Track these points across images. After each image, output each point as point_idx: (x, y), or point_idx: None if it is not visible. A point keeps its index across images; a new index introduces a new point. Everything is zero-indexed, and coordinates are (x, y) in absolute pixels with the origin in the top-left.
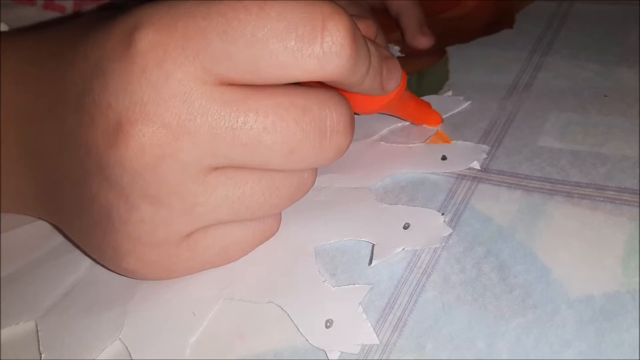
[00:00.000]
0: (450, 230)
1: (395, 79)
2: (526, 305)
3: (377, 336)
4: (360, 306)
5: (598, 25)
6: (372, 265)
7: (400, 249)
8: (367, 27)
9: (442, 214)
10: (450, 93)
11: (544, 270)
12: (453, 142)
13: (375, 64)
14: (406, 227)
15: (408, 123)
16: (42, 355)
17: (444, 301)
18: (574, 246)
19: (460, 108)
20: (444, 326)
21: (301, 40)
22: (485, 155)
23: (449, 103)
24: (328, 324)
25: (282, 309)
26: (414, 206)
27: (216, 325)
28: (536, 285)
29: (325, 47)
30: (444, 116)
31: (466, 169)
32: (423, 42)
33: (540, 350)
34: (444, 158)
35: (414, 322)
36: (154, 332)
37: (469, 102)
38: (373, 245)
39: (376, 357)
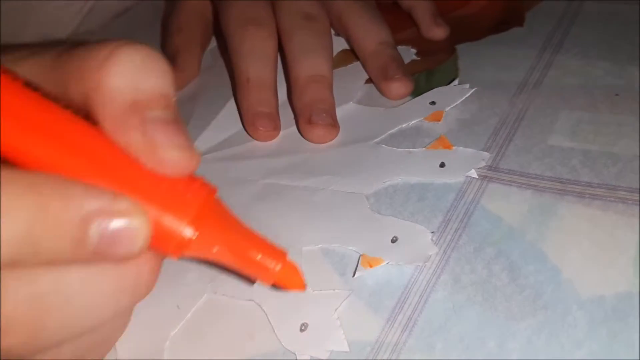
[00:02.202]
0: (435, 249)
1: (124, 245)
2: (537, 306)
3: (387, 336)
4: (336, 312)
5: (609, 24)
6: (356, 277)
7: (385, 263)
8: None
9: (432, 232)
10: (456, 82)
11: (554, 271)
12: (454, 148)
13: (56, 234)
14: (394, 240)
15: (410, 126)
16: None
17: (454, 301)
18: (585, 246)
19: (465, 96)
20: (454, 326)
21: None
22: (484, 163)
23: (454, 93)
24: (303, 328)
25: (261, 308)
26: (405, 219)
27: (226, 325)
28: (547, 285)
29: None
30: (448, 108)
31: (468, 174)
32: (438, 33)
33: (551, 350)
34: (442, 165)
35: (424, 322)
36: (138, 323)
37: (474, 89)
38: (359, 256)
39: (386, 357)
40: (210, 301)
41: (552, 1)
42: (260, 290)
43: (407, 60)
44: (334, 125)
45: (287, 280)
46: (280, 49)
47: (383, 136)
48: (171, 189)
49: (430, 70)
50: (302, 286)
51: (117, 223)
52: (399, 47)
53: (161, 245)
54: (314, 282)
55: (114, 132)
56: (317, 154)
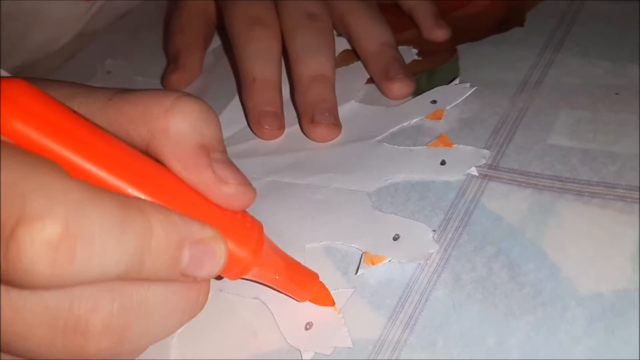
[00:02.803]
0: (437, 247)
1: (207, 268)
2: (536, 303)
3: (389, 334)
4: (340, 310)
5: (609, 23)
6: (359, 274)
7: (387, 260)
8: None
9: (434, 231)
10: (457, 81)
11: (554, 268)
12: (454, 146)
13: (157, 256)
14: (396, 238)
15: (411, 125)
16: None
17: (455, 299)
18: (584, 244)
19: (465, 95)
20: (455, 324)
21: None
22: (484, 161)
23: (454, 92)
24: (308, 326)
25: (266, 306)
26: (406, 217)
27: (230, 323)
28: (546, 283)
29: (10, 260)
30: (449, 107)
31: (468, 172)
32: (440, 34)
33: (550, 347)
34: (443, 163)
35: (425, 320)
36: None
37: (474, 88)
38: (362, 254)
39: (387, 355)
40: (216, 299)
41: (552, 1)
42: (266, 288)
43: (408, 61)
44: (336, 124)
45: (320, 298)
46: (284, 48)
47: (384, 134)
48: (233, 221)
49: (431, 70)
50: (332, 303)
51: (204, 248)
52: (400, 47)
53: (227, 269)
54: None
55: (184, 169)
56: (319, 152)
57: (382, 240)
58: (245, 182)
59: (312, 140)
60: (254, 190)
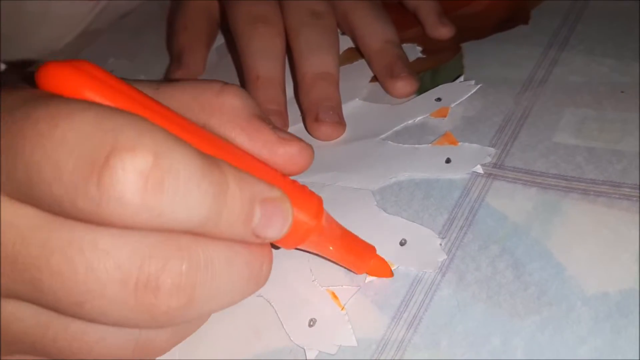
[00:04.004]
0: (444, 256)
1: (277, 227)
2: (541, 303)
3: (393, 333)
4: (344, 307)
5: (615, 21)
6: (367, 280)
7: (395, 267)
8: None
9: (442, 238)
10: (462, 79)
11: (559, 268)
12: (459, 144)
13: (233, 209)
14: (402, 243)
15: (416, 123)
16: None
17: (459, 299)
18: (590, 243)
19: (470, 93)
20: (459, 323)
21: (76, 174)
22: (489, 159)
23: (459, 89)
24: (311, 323)
25: (269, 303)
26: (410, 217)
27: (232, 322)
28: (551, 282)
29: (104, 188)
30: (453, 105)
31: (474, 170)
32: (444, 32)
33: (556, 347)
34: (448, 161)
35: (429, 319)
36: None
37: (479, 86)
38: None
39: (391, 354)
40: None
41: None
42: (269, 286)
43: (412, 58)
44: (340, 123)
45: (378, 270)
46: (287, 46)
47: (389, 132)
48: (294, 187)
49: (435, 68)
50: (390, 274)
51: (273, 207)
52: (404, 45)
53: (288, 234)
54: (320, 279)
55: (247, 136)
56: (324, 150)
57: (388, 244)
58: (305, 142)
59: (316, 138)
60: (312, 150)
